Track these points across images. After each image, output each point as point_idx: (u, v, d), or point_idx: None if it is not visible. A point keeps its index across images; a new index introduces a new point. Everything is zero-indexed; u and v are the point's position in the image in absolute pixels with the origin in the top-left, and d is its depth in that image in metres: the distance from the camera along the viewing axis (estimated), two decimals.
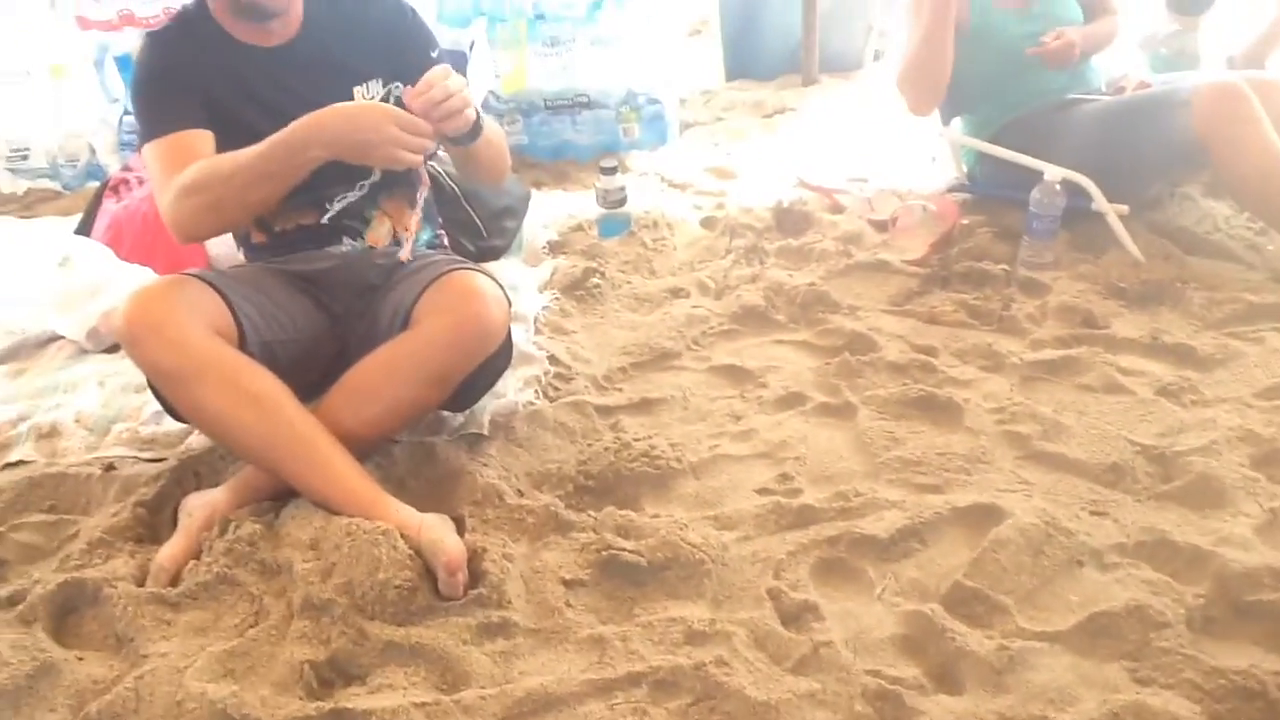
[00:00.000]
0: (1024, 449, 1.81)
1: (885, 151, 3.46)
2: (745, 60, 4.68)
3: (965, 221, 2.73)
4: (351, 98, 1.93)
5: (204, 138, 1.84)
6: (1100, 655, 1.36)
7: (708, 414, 2.03)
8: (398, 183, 2.00)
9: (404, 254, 1.87)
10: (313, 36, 1.94)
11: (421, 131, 1.66)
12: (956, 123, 2.95)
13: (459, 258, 2.08)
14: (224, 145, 1.82)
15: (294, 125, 1.68)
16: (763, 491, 1.75)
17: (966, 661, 1.33)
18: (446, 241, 2.26)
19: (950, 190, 2.95)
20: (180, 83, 1.87)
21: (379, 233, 2.02)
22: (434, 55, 1.99)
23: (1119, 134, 2.54)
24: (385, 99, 1.97)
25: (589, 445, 1.91)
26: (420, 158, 1.70)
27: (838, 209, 2.99)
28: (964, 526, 1.60)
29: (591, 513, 1.70)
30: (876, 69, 4.65)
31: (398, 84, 1.97)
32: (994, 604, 1.43)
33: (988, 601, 1.43)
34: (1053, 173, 2.47)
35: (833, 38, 4.54)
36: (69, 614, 1.56)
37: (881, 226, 2.81)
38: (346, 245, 2.00)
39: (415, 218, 1.88)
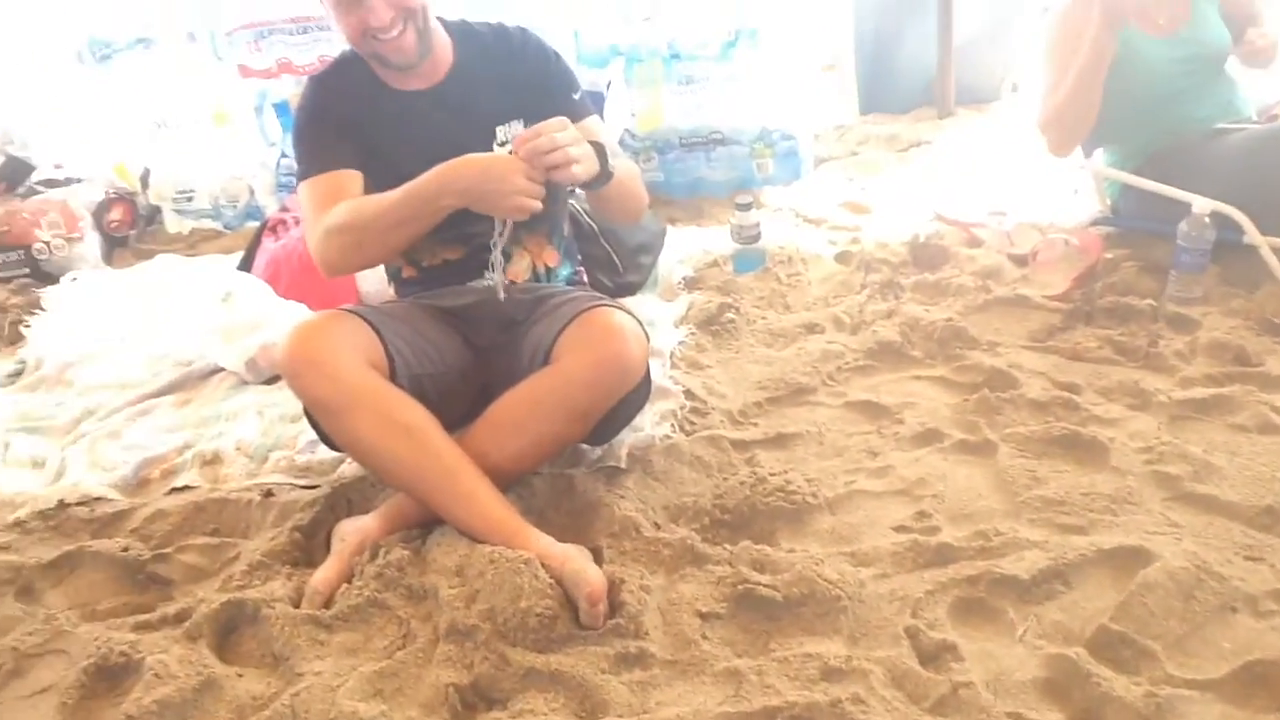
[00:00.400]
0: (1173, 490, 1.76)
1: (1025, 185, 3.41)
2: (879, 94, 4.66)
3: (1109, 256, 2.66)
4: (493, 139, 2.00)
5: (353, 178, 1.95)
6: (1255, 706, 1.31)
7: (843, 449, 2.02)
8: (539, 219, 2.06)
9: (500, 293, 1.91)
10: (460, 80, 2.03)
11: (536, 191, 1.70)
12: (1099, 154, 2.89)
13: (598, 294, 2.13)
14: (376, 185, 1.91)
15: (430, 173, 1.75)
16: (900, 529, 1.74)
17: (1112, 707, 1.29)
18: (586, 278, 2.31)
19: (1094, 223, 2.88)
20: (335, 124, 1.99)
21: (519, 267, 2.09)
22: (575, 97, 2.05)
23: (1271, 163, 2.45)
24: None
25: (725, 479, 1.92)
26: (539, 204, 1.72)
27: (976, 243, 2.95)
28: (1110, 569, 1.56)
29: (727, 546, 1.71)
30: (1014, 101, 4.58)
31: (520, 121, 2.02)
32: (1141, 649, 1.39)
33: (1135, 646, 1.40)
34: (1201, 204, 2.40)
35: (968, 70, 4.49)
36: (230, 632, 1.64)
37: (1021, 261, 2.76)
38: (488, 280, 2.06)
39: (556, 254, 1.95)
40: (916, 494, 1.84)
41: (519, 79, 2.03)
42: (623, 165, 1.96)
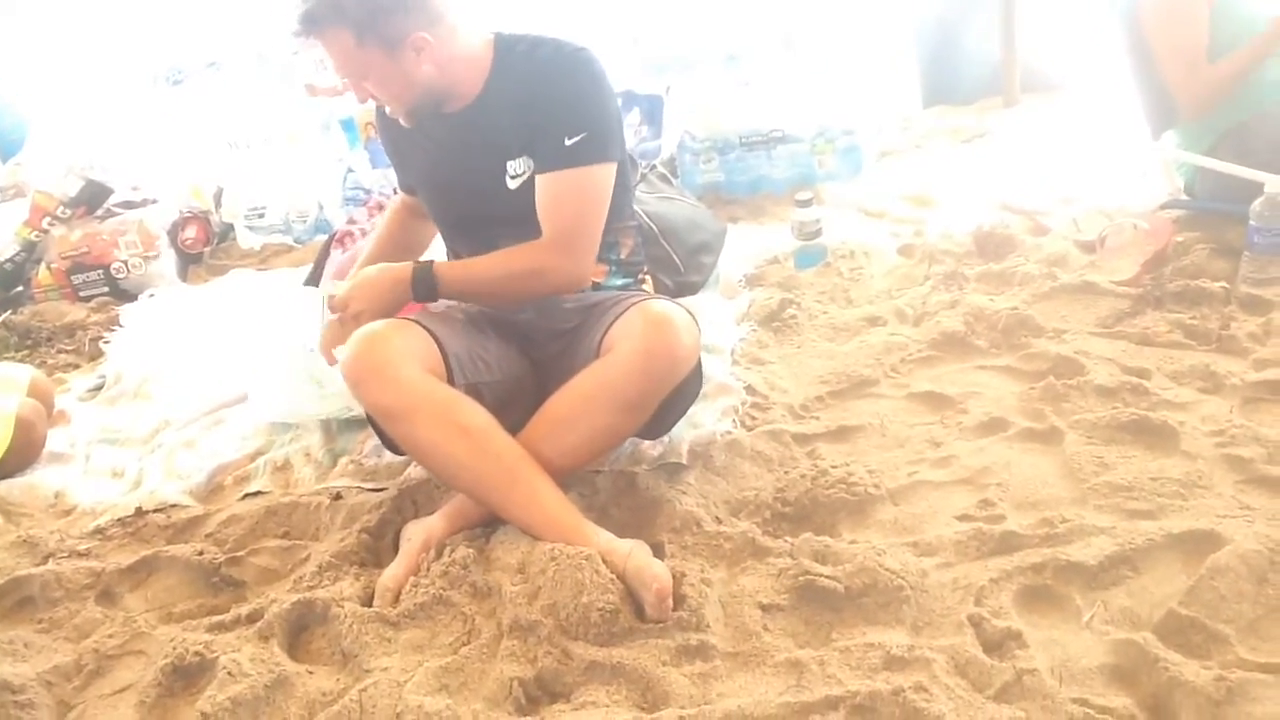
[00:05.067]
0: (1246, 473, 1.71)
1: (1092, 170, 3.34)
2: (943, 85, 4.61)
3: (1180, 239, 2.60)
4: (504, 171, 1.97)
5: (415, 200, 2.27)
6: None
7: (906, 440, 2.00)
8: None
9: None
10: (485, 106, 1.98)
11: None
12: (1169, 136, 2.83)
13: (647, 292, 2.14)
14: (421, 195, 2.19)
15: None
16: (963, 518, 1.72)
17: (1181, 692, 1.26)
18: (650, 284, 2.30)
19: (1163, 207, 2.82)
20: (390, 145, 2.21)
21: None
22: (567, 143, 1.89)
23: None
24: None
25: (786, 473, 1.92)
26: None
27: (1041, 231, 2.90)
28: (1179, 553, 1.53)
29: (789, 539, 1.70)
30: (1081, 88, 4.49)
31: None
32: (1212, 633, 1.36)
33: (1205, 631, 1.36)
34: (1276, 183, 2.33)
35: (1034, 56, 4.42)
36: (301, 631, 1.68)
37: (1089, 247, 2.71)
38: None
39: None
40: (980, 483, 1.81)
41: (538, 107, 1.94)
42: (475, 273, 1.98)
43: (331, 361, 2.01)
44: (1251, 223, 2.34)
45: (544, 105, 1.91)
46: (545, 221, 1.92)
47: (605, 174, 1.95)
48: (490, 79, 1.98)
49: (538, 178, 1.93)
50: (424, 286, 1.93)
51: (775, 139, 3.67)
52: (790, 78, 3.67)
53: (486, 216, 2.03)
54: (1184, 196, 2.84)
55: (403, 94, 1.91)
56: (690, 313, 1.86)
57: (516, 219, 1.96)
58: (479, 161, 1.99)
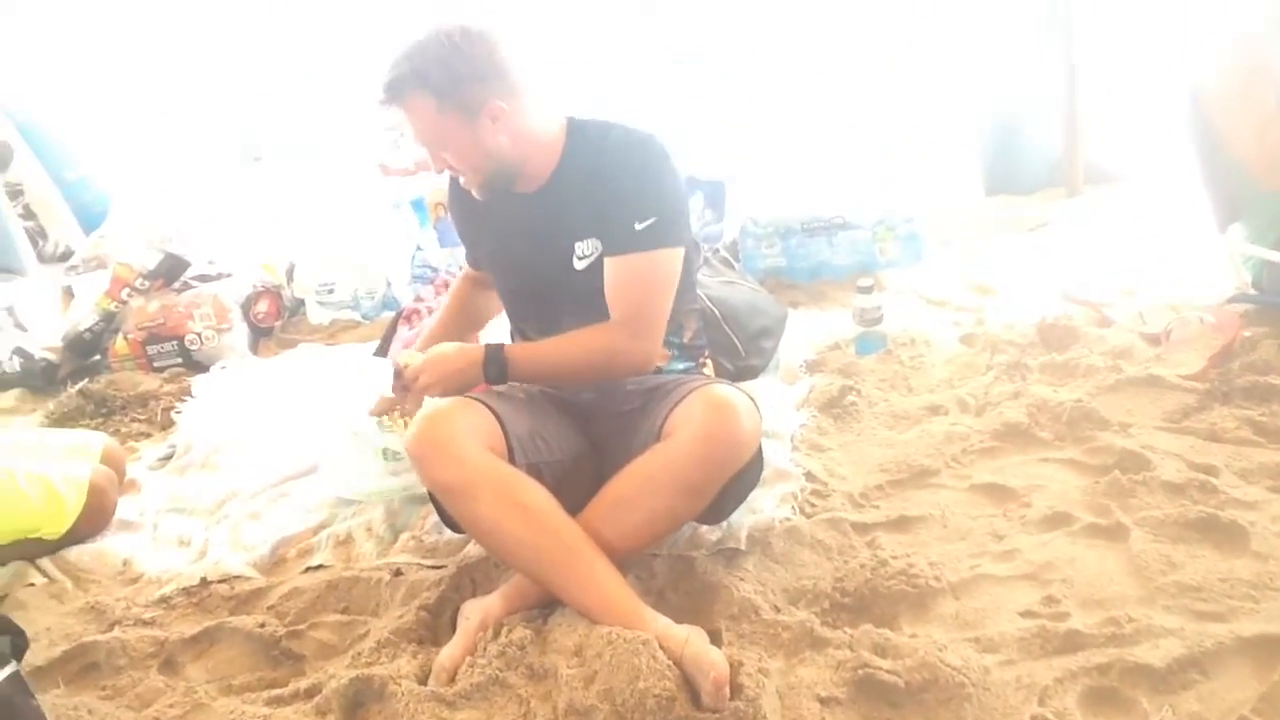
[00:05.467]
0: None
1: (1157, 262, 3.32)
2: (1004, 174, 4.61)
3: (1248, 333, 2.57)
4: (572, 253, 2.02)
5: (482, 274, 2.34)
6: None
7: (968, 533, 1.99)
8: None
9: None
10: (555, 190, 2.04)
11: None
12: (1236, 229, 2.81)
13: (709, 376, 2.16)
14: (491, 271, 2.26)
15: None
16: (1027, 614, 1.70)
17: None
18: (711, 368, 2.32)
19: (1230, 300, 2.79)
20: (460, 219, 2.28)
21: None
22: (637, 228, 1.93)
23: None
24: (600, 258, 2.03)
25: (845, 562, 1.91)
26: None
27: (1106, 323, 2.88)
28: (1251, 658, 1.49)
29: (848, 630, 1.69)
30: (1146, 179, 4.47)
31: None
32: None
33: None
34: None
35: (1097, 147, 4.43)
36: (358, 707, 1.68)
37: (1154, 340, 2.69)
38: None
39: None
40: (1044, 578, 1.79)
41: (607, 190, 1.97)
42: (546, 356, 2.03)
43: (380, 412, 2.17)
44: None
45: (613, 189, 1.96)
46: (614, 305, 1.97)
47: (673, 258, 1.99)
48: (562, 162, 2.04)
49: (607, 261, 1.98)
50: (495, 368, 1.97)
51: (837, 225, 3.70)
52: (853, 164, 3.70)
53: (553, 296, 2.08)
54: (1251, 290, 2.81)
55: (477, 163, 1.98)
56: (752, 398, 1.87)
57: (582, 299, 2.00)
58: (547, 242, 2.05)
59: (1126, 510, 1.95)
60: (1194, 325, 2.61)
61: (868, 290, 2.88)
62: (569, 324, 2.02)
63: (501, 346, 2.00)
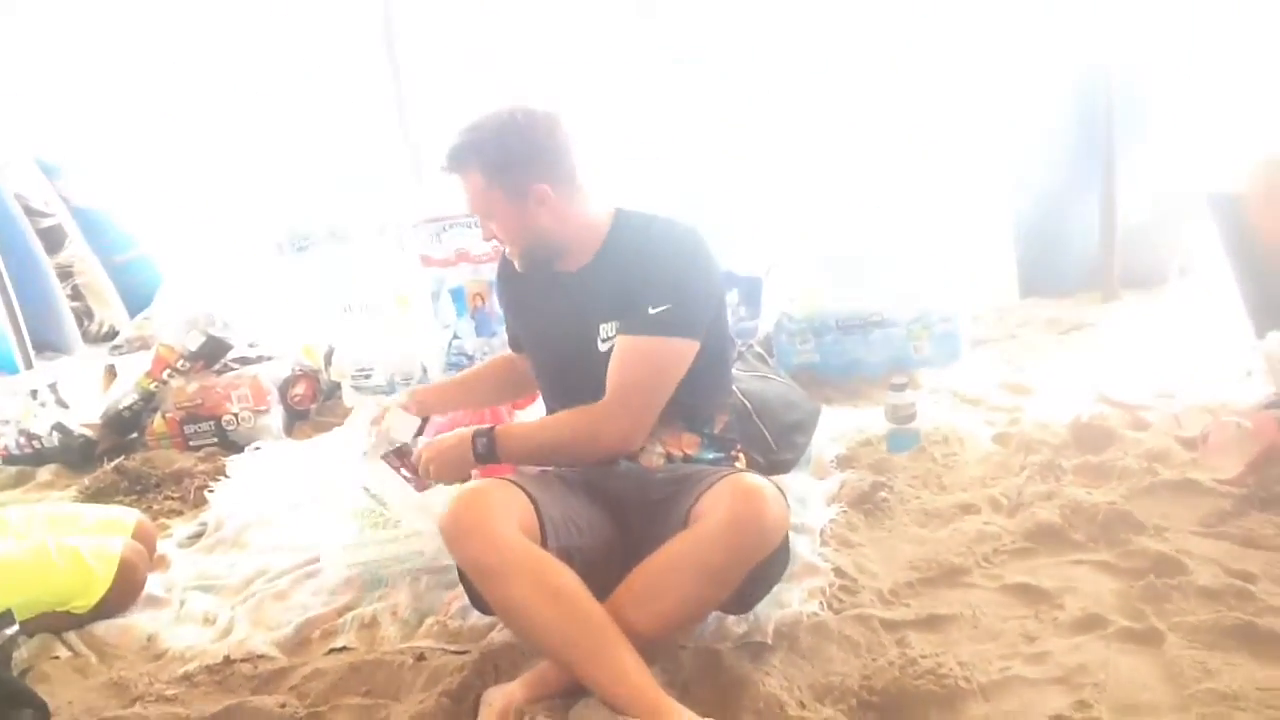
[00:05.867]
0: None
1: (1193, 367, 3.30)
2: (1040, 276, 4.62)
3: None
4: (598, 334, 2.08)
5: (517, 360, 2.41)
6: None
7: (999, 633, 1.95)
8: (674, 415, 2.12)
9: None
10: (596, 270, 2.12)
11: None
12: (1275, 335, 2.79)
13: (740, 468, 2.16)
14: (526, 350, 2.32)
15: None
16: (1058, 718, 1.65)
17: None
18: (743, 460, 2.32)
19: (1268, 406, 2.76)
20: (504, 299, 2.36)
21: (651, 456, 2.12)
22: (651, 312, 1.97)
23: None
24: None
25: (873, 660, 1.88)
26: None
27: (1142, 425, 2.86)
28: None
29: None
30: (1182, 284, 4.47)
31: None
32: None
33: None
34: None
35: (1134, 252, 4.42)
36: None
37: (1191, 444, 2.66)
38: (623, 465, 2.12)
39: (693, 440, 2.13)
40: (1076, 682, 1.75)
41: (634, 274, 2.03)
42: (531, 436, 2.13)
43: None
44: None
45: (639, 273, 2.02)
46: (610, 379, 2.02)
47: (680, 348, 2.02)
48: (604, 246, 2.12)
49: (617, 339, 2.03)
50: (483, 442, 2.05)
51: (872, 323, 3.71)
52: (890, 263, 3.71)
53: (576, 375, 2.11)
54: None
55: (519, 237, 2.08)
56: (780, 488, 1.87)
57: (603, 381, 2.04)
58: (576, 321, 2.11)
59: (1161, 615, 1.91)
60: (1231, 430, 2.57)
61: (901, 388, 2.88)
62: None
63: (491, 427, 2.09)
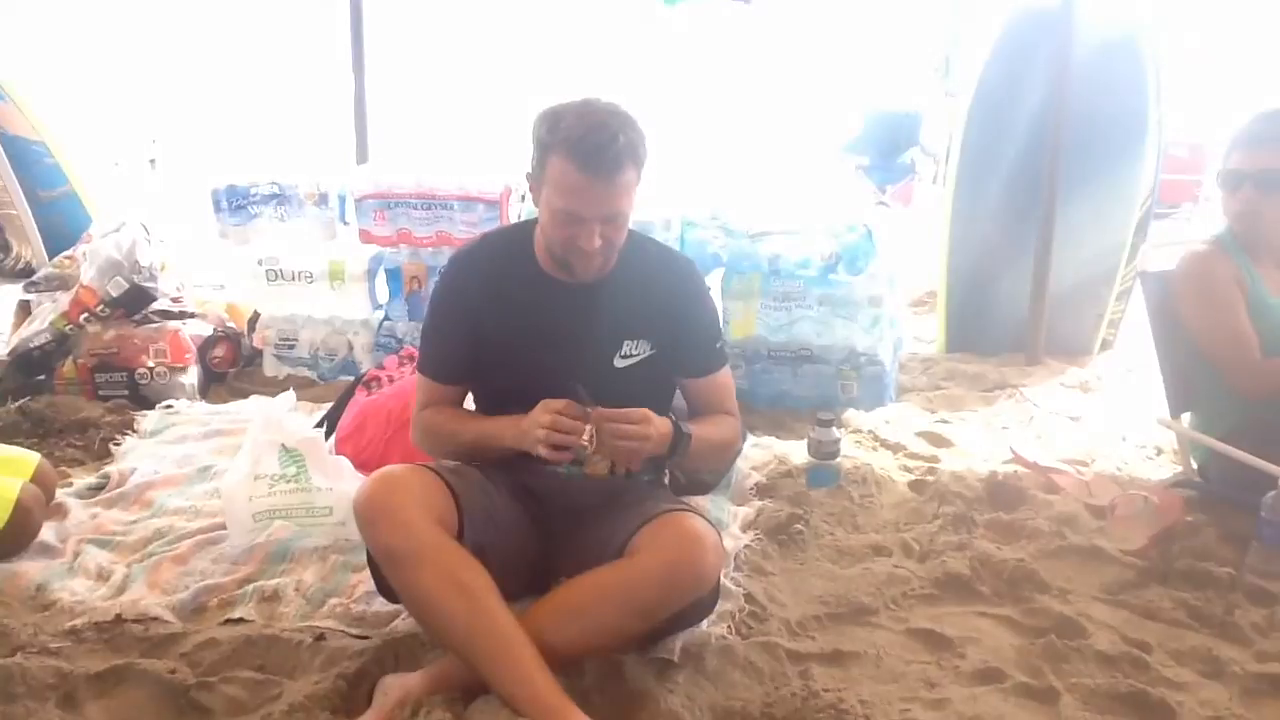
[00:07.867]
0: None
1: (1107, 439, 3.39)
2: (967, 334, 4.70)
3: (1190, 519, 2.61)
4: (620, 349, 2.08)
5: (455, 392, 2.18)
6: None
7: (901, 676, 1.98)
8: None
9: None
10: (613, 285, 2.07)
11: (569, 442, 1.90)
12: (1187, 417, 2.88)
13: (676, 498, 2.17)
14: (500, 361, 2.09)
15: (505, 427, 2.00)
16: None
17: None
18: (666, 477, 2.34)
19: (1175, 484, 2.85)
20: (460, 318, 2.10)
21: (598, 466, 2.08)
22: (718, 347, 2.19)
23: None
24: (645, 360, 2.12)
25: (776, 689, 1.89)
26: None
27: (1053, 489, 2.92)
28: None
29: None
30: (1104, 358, 4.58)
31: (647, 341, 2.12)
32: None
33: None
34: None
35: (1061, 321, 4.52)
36: None
37: (1099, 512, 2.72)
38: (565, 470, 2.09)
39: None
40: None
41: (669, 307, 2.10)
42: (709, 437, 2.12)
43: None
44: (1262, 514, 2.35)
45: (686, 310, 2.14)
46: (724, 406, 2.23)
47: None
48: (619, 261, 2.06)
49: (706, 378, 2.19)
50: (682, 446, 2.03)
51: (803, 357, 3.74)
52: (826, 302, 3.73)
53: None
54: (1196, 478, 2.87)
55: (622, 237, 2.02)
56: (718, 531, 1.91)
57: (611, 395, 1.97)
58: (598, 337, 2.08)
59: (1059, 674, 1.95)
60: (1138, 503, 2.65)
61: (827, 424, 2.91)
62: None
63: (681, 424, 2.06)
